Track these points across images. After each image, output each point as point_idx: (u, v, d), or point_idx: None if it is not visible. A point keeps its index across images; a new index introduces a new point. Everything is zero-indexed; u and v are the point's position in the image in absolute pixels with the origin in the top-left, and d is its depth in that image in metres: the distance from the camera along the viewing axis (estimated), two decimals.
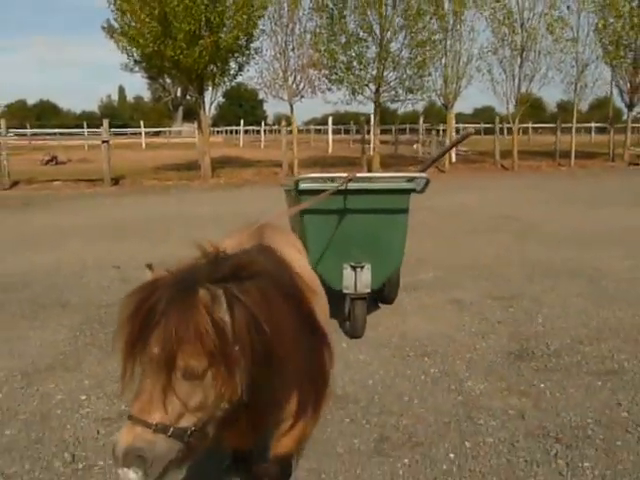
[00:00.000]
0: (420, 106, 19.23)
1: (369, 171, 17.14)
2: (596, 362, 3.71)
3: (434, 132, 21.60)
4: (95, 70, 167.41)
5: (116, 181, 16.10)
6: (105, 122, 16.22)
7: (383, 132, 33.22)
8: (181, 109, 46.72)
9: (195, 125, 19.36)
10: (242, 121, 38.03)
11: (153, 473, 1.44)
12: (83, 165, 22.70)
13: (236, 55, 16.35)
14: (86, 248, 7.46)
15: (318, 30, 16.99)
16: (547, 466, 2.59)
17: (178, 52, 14.79)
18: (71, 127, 50.89)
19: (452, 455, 2.69)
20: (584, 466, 2.59)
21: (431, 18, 16.61)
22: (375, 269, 4.22)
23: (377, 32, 16.54)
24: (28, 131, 35.49)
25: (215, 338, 1.47)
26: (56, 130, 39.67)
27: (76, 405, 3.25)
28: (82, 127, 42.43)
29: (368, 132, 21.45)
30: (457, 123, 38.52)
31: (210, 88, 16.63)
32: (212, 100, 17.05)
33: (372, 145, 19.49)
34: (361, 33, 16.69)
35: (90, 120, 60.08)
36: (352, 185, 4.14)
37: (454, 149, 18.70)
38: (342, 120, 40.87)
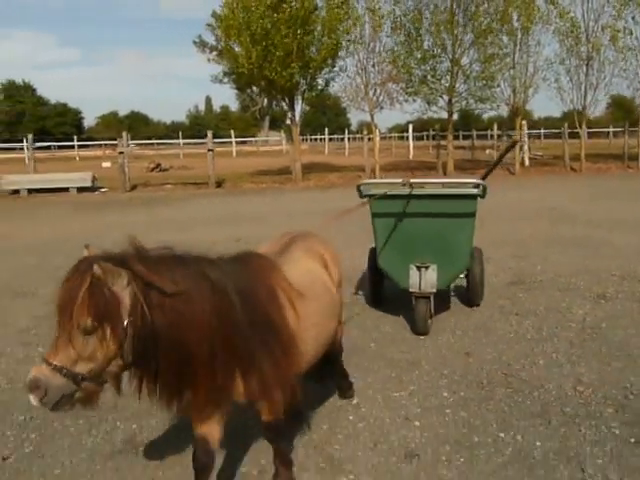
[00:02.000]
0: (504, 111, 21.00)
1: (444, 175, 19.33)
2: (563, 285, 5.96)
3: (505, 138, 23.43)
4: (183, 81, 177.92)
5: (219, 184, 19.20)
6: (209, 133, 19.46)
7: (465, 137, 35.16)
8: (267, 118, 50.44)
9: (281, 134, 22.20)
10: (327, 129, 40.98)
11: (48, 401, 1.94)
12: (184, 171, 26.25)
13: (323, 73, 19.13)
14: (209, 231, 10.08)
15: (396, 48, 19.51)
16: (507, 324, 4.92)
17: (274, 73, 17.69)
18: (162, 137, 55.89)
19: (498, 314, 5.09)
20: (528, 323, 4.91)
21: (497, 35, 18.66)
22: (441, 270, 4.64)
23: (449, 48, 18.86)
24: (141, 142, 39.80)
25: (100, 305, 1.92)
26: (160, 141, 43.86)
27: None
28: (171, 137, 46.84)
29: (445, 138, 23.60)
30: (546, 127, 39.55)
31: (300, 102, 19.45)
32: (302, 113, 19.80)
33: (449, 150, 21.60)
34: (435, 50, 19.06)
35: (179, 130, 64.90)
36: (418, 190, 4.69)
37: (518, 154, 20.44)
38: (424, 127, 42.95)
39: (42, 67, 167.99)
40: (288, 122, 20.00)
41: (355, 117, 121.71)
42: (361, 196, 4.82)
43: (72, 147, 41.02)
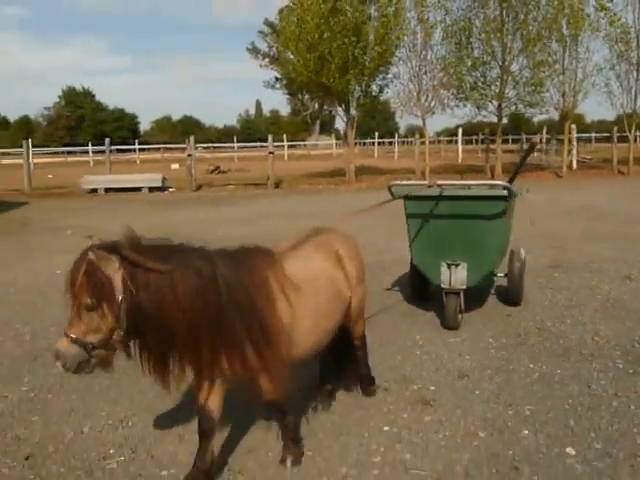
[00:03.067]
0: (555, 115, 21.68)
1: (492, 177, 20.16)
2: (594, 269, 6.95)
3: (554, 141, 24.07)
4: (233, 86, 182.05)
5: (277, 185, 20.56)
6: (270, 137, 20.85)
7: (514, 141, 35.71)
8: (318, 122, 51.90)
9: (331, 137, 23.35)
10: (377, 133, 42.09)
11: (69, 366, 2.42)
12: (241, 173, 27.81)
13: (377, 80, 20.32)
14: (272, 224, 11.15)
15: (447, 55, 20.49)
16: (543, 296, 5.96)
17: (331, 80, 18.95)
18: (214, 141, 57.95)
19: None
20: (560, 295, 5.95)
21: (546, 42, 19.43)
22: (470, 268, 4.93)
23: (499, 55, 19.75)
24: (206, 145, 41.66)
25: (96, 287, 2.33)
26: (220, 144, 45.57)
27: None
28: (223, 141, 48.72)
29: (494, 142, 24.38)
30: (599, 131, 39.50)
31: (354, 108, 20.64)
32: (355, 118, 20.96)
33: (497, 154, 22.39)
34: (485, 57, 19.97)
35: (231, 134, 66.81)
36: (448, 192, 5.04)
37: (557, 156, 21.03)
38: (473, 130, 43.54)
39: (100, 73, 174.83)
40: (337, 126, 21.32)
41: (403, 121, 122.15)
42: (393, 197, 5.18)
43: (132, 150, 43.27)
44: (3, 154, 42.98)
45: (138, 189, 19.79)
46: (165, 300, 2.42)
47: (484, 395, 3.82)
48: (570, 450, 3.12)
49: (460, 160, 31.45)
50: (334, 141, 44.40)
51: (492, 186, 5.55)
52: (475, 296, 5.68)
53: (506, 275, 5.58)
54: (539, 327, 5.08)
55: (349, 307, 3.37)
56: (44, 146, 46.60)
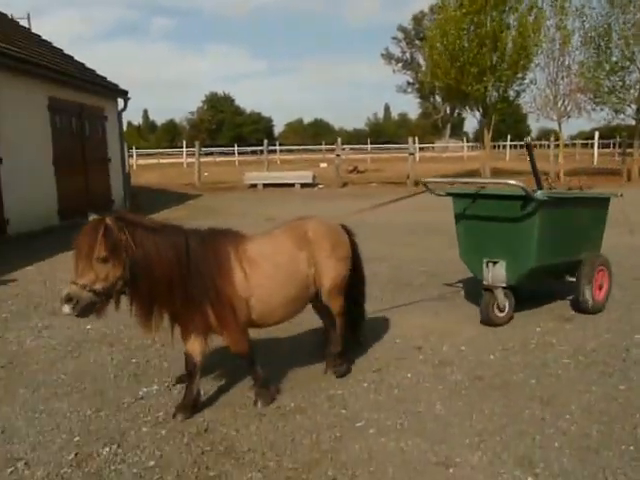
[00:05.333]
0: None
1: (628, 180, 20.66)
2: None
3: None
4: (362, 90, 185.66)
5: (416, 183, 22.44)
6: (410, 139, 22.80)
7: None
8: (449, 126, 52.98)
9: (461, 140, 24.53)
10: (509, 136, 42.54)
11: (77, 309, 2.99)
12: (378, 173, 29.94)
13: (514, 86, 21.62)
14: (410, 216, 12.78)
15: (585, 60, 21.30)
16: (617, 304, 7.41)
17: (469, 87, 20.56)
18: (344, 144, 60.59)
19: None
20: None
21: None
22: (509, 267, 5.13)
23: (639, 59, 20.26)
24: (354, 147, 44.41)
25: (112, 244, 3.02)
26: (360, 146, 47.71)
27: None
28: (352, 144, 50.98)
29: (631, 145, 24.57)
30: None
31: (490, 113, 22.06)
32: (492, 121, 22.34)
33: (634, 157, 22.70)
34: (624, 62, 20.55)
35: (361, 137, 69.00)
36: (485, 191, 5.36)
37: None
38: (611, 134, 42.54)
39: (239, 78, 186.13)
40: (467, 130, 22.77)
41: (536, 124, 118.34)
42: (433, 193, 5.76)
43: (273, 152, 46.94)
44: (162, 154, 48.65)
45: (291, 185, 22.56)
46: (152, 257, 3.17)
47: None
48: None
49: (595, 163, 31.44)
50: (465, 144, 45.32)
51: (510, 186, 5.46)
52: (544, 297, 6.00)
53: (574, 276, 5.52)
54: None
55: (317, 284, 3.90)
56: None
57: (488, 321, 5.23)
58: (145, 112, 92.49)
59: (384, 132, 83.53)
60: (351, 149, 37.44)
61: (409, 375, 4.31)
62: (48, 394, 4.10)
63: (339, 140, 23.45)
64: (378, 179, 25.35)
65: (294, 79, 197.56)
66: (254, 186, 22.76)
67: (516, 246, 5.10)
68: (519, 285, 5.33)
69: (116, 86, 17.18)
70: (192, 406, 3.63)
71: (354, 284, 4.27)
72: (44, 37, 17.01)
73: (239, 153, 44.88)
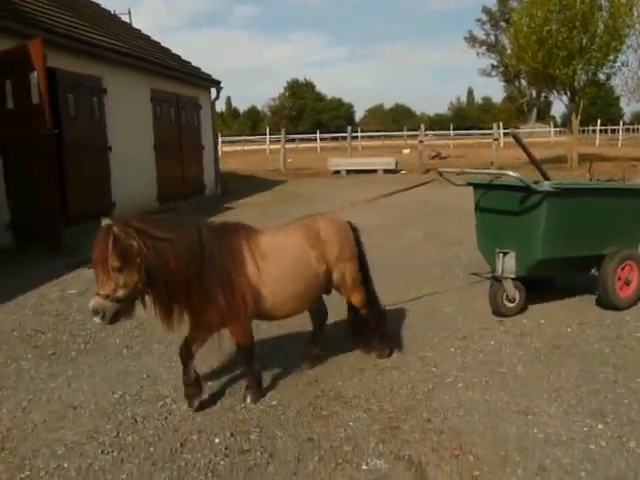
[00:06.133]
0: None
1: None
2: None
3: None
4: (444, 74, 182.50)
5: (499, 169, 22.36)
6: (494, 125, 22.71)
7: None
8: (535, 110, 51.55)
9: (547, 125, 24.01)
10: (599, 121, 41.01)
11: (106, 318, 3.08)
12: (460, 159, 29.83)
13: (604, 69, 21.04)
14: None
15: None
16: None
17: (557, 71, 20.24)
18: (426, 129, 60.00)
19: None
20: None
21: None
22: (518, 257, 5.18)
23: None
24: (438, 133, 44.44)
25: (122, 252, 3.02)
26: (441, 132, 47.49)
27: None
28: (433, 129, 50.55)
29: None
30: None
31: (579, 97, 21.60)
32: (580, 105, 21.85)
33: None
34: None
35: (443, 122, 68.13)
36: (498, 181, 5.34)
37: None
38: None
39: (320, 64, 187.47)
40: (554, 113, 22.36)
41: (628, 108, 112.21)
42: (452, 182, 5.84)
43: (355, 138, 47.38)
44: (247, 141, 50.25)
45: (374, 171, 23.03)
46: (166, 259, 3.20)
47: None
48: None
49: None
50: (552, 128, 44.03)
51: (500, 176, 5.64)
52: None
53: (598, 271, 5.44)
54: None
55: (330, 280, 4.02)
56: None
57: (495, 310, 5.33)
58: (228, 99, 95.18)
59: (467, 117, 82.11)
60: (434, 135, 37.39)
61: (492, 343, 4.80)
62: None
63: (422, 126, 23.67)
64: (461, 165, 25.34)
65: (375, 64, 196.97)
66: (337, 172, 23.40)
67: (524, 237, 5.12)
68: (529, 276, 5.35)
69: (209, 76, 18.24)
70: (199, 390, 3.72)
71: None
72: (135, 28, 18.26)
73: (320, 139, 45.71)
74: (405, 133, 45.27)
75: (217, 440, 3.36)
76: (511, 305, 5.35)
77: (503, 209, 5.22)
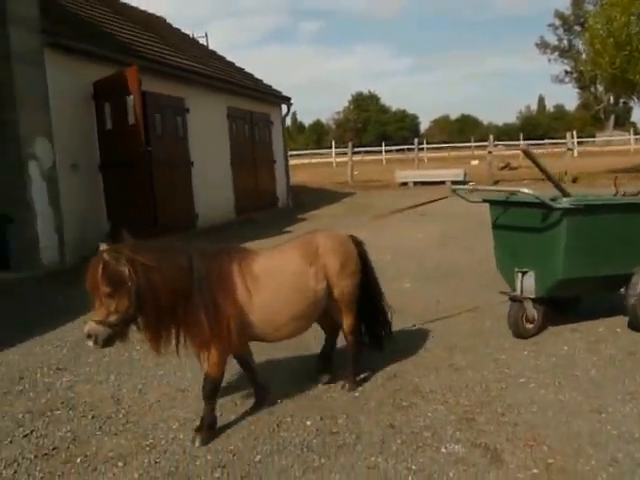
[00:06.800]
0: None
1: None
2: None
3: None
4: (513, 82, 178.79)
5: (574, 180, 21.98)
6: (567, 134, 22.39)
7: None
8: (612, 117, 49.90)
9: (627, 132, 23.22)
10: None
11: (99, 342, 3.18)
12: (531, 169, 29.17)
13: None
14: None
15: None
16: None
17: (637, 76, 19.81)
18: (493, 139, 58.96)
19: None
20: None
21: None
22: (538, 277, 5.00)
23: None
24: (508, 143, 43.86)
25: (112, 278, 3.11)
26: (510, 142, 46.67)
27: None
28: (501, 140, 49.63)
29: None
30: None
31: None
32: None
33: None
34: None
35: (511, 132, 66.69)
36: (515, 198, 5.18)
37: None
38: None
39: (384, 76, 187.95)
40: (634, 120, 21.79)
41: None
42: (466, 199, 5.68)
43: (421, 149, 47.39)
44: (312, 154, 51.19)
45: (442, 182, 23.11)
46: (155, 285, 3.24)
47: None
48: None
49: None
50: (632, 136, 42.41)
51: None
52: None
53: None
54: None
55: (329, 299, 3.91)
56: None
57: (515, 331, 5.15)
58: (294, 114, 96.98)
59: (538, 125, 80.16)
60: (503, 145, 36.93)
61: (565, 348, 4.98)
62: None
63: (491, 137, 23.58)
64: (532, 176, 24.94)
65: (440, 74, 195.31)
66: (404, 184, 23.64)
67: (544, 256, 4.96)
68: (549, 297, 5.19)
69: (280, 93, 19.00)
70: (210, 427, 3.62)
71: (369, 299, 4.28)
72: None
73: (385, 151, 45.95)
74: (472, 144, 44.82)
75: (308, 422, 3.77)
76: (530, 326, 5.18)
77: (521, 226, 5.08)
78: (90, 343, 3.21)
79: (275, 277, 3.65)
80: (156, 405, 4.12)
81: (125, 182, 9.44)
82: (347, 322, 4.09)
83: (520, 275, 5.09)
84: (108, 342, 3.24)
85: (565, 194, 5.19)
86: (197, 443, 3.52)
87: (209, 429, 3.58)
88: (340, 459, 3.34)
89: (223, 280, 3.46)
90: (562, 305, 5.65)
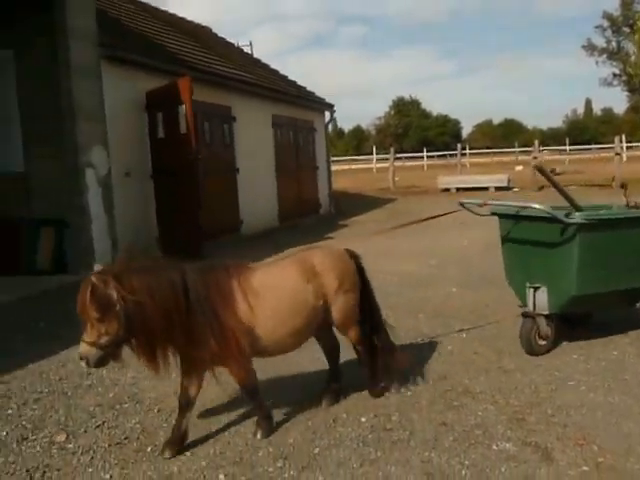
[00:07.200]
0: None
1: None
2: None
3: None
4: (558, 85, 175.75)
5: (621, 186, 21.54)
6: (616, 138, 22.05)
7: None
8: None
9: None
10: None
11: (92, 362, 3.22)
12: (577, 175, 28.94)
13: None
14: None
15: None
16: None
17: None
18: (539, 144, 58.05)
19: None
20: None
21: None
22: (551, 293, 4.89)
23: None
24: (554, 148, 43.49)
25: (100, 302, 3.11)
26: (557, 147, 46.15)
27: None
28: (547, 144, 48.92)
29: None
30: None
31: None
32: None
33: None
34: None
35: (557, 136, 65.54)
36: (526, 212, 5.02)
37: None
38: None
39: (426, 81, 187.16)
40: None
41: None
42: (474, 212, 5.66)
43: (464, 155, 47.10)
44: (353, 160, 51.44)
45: (485, 188, 23.02)
46: (146, 303, 3.23)
47: None
48: None
49: None
50: None
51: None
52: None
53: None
54: None
55: (329, 315, 3.93)
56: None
57: (527, 349, 5.02)
58: (334, 120, 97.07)
59: (585, 130, 78.69)
60: (548, 150, 36.46)
61: (615, 353, 5.04)
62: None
63: (536, 142, 23.39)
64: (578, 182, 24.64)
65: (483, 77, 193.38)
66: (447, 190, 23.63)
67: (557, 272, 4.85)
68: (563, 313, 5.09)
69: (323, 100, 19.29)
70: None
71: (367, 313, 4.24)
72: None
73: (427, 157, 45.90)
74: (516, 149, 44.36)
75: (363, 419, 3.96)
76: (543, 343, 5.07)
77: (533, 240, 5.00)
78: (83, 364, 3.30)
79: (274, 292, 3.69)
80: (216, 401, 4.33)
81: (175, 189, 9.84)
82: (352, 335, 4.15)
83: (532, 290, 5.00)
84: (100, 363, 3.32)
85: (578, 209, 5.03)
86: (259, 436, 3.71)
87: (267, 419, 3.77)
88: (395, 453, 3.52)
89: (223, 295, 3.49)
90: (573, 320, 5.54)
